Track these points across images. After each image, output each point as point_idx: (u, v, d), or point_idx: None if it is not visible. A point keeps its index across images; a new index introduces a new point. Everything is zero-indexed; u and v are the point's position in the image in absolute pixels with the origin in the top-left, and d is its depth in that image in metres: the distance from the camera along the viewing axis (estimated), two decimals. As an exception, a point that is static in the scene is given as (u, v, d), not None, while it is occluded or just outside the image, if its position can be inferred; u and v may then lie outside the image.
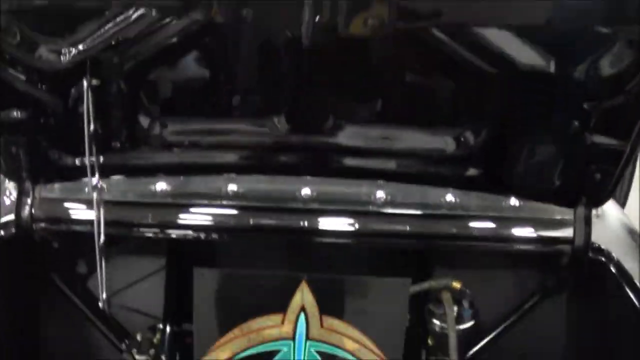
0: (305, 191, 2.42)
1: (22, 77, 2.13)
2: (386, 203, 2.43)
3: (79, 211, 2.45)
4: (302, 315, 2.08)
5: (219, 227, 2.41)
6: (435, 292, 2.54)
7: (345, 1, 1.89)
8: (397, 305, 2.07)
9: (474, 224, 2.43)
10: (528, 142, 2.30)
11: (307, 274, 2.07)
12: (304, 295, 2.07)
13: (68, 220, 2.45)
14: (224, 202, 2.41)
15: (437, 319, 2.52)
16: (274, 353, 2.12)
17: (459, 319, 2.49)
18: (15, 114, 2.24)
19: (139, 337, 2.63)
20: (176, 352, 2.62)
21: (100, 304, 2.30)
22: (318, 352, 2.12)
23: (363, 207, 2.41)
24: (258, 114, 2.30)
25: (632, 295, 2.22)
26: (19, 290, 2.48)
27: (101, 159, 2.29)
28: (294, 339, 2.10)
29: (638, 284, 2.25)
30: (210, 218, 2.43)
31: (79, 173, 2.38)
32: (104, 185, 2.32)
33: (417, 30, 2.01)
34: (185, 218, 2.44)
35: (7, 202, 2.42)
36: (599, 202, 2.38)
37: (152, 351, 2.60)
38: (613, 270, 2.33)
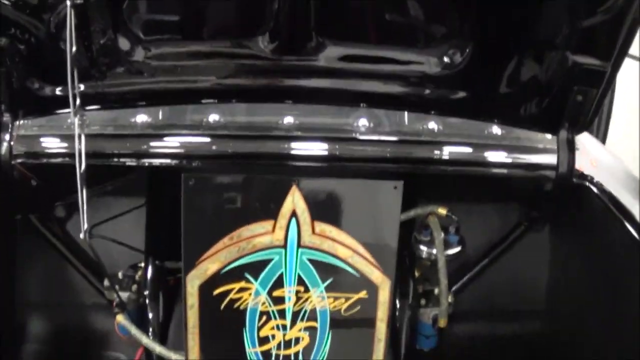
0: (288, 120, 2.42)
1: None
2: (368, 130, 2.43)
3: (58, 144, 2.41)
4: (294, 221, 2.04)
5: (199, 155, 2.39)
6: (421, 220, 2.55)
7: None
8: (390, 208, 2.05)
9: (455, 149, 2.44)
10: (510, 63, 2.32)
11: (297, 177, 2.04)
12: (295, 200, 2.04)
13: (48, 154, 2.40)
14: (205, 132, 2.39)
15: (424, 245, 2.52)
16: (265, 262, 2.08)
17: (446, 245, 2.49)
18: None
19: (120, 275, 2.58)
20: (159, 288, 2.56)
21: (81, 235, 2.24)
22: (310, 260, 2.08)
23: (345, 135, 2.41)
24: (241, 34, 2.30)
25: (620, 216, 2.23)
26: None
27: (82, 87, 2.25)
28: (285, 246, 2.06)
29: (625, 206, 2.27)
30: (190, 146, 2.40)
31: (59, 104, 2.34)
32: (85, 116, 2.27)
33: None
34: (165, 147, 2.41)
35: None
36: (581, 127, 2.41)
37: (134, 287, 2.55)
38: (598, 193, 2.35)
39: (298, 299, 2.11)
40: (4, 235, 2.54)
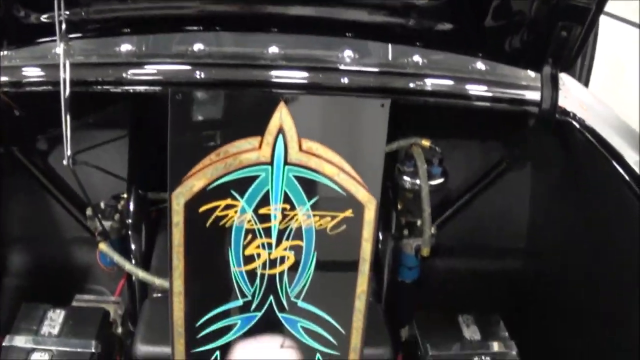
0: (273, 49, 2.42)
1: None
2: (353, 61, 2.44)
3: (43, 72, 2.40)
4: (281, 138, 2.04)
5: (183, 82, 2.38)
6: (405, 151, 2.56)
7: None
8: (377, 126, 2.05)
9: (439, 81, 2.46)
10: None
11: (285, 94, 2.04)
12: (282, 116, 2.03)
13: (32, 82, 2.39)
14: (190, 61, 2.39)
15: (407, 175, 2.54)
16: (251, 179, 2.07)
17: (429, 176, 2.51)
18: None
19: (102, 205, 2.56)
20: (142, 219, 2.55)
21: (64, 161, 2.22)
22: (296, 177, 2.07)
23: (330, 65, 2.42)
24: None
25: (603, 151, 2.26)
26: None
27: (67, 13, 2.23)
28: (272, 163, 2.06)
29: (608, 141, 2.30)
30: (175, 74, 2.40)
31: (43, 33, 2.32)
32: (70, 44, 2.26)
33: None
34: (149, 74, 2.41)
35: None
36: (565, 64, 2.44)
37: (117, 216, 2.53)
38: (580, 129, 2.37)
39: (284, 217, 2.10)
40: None
